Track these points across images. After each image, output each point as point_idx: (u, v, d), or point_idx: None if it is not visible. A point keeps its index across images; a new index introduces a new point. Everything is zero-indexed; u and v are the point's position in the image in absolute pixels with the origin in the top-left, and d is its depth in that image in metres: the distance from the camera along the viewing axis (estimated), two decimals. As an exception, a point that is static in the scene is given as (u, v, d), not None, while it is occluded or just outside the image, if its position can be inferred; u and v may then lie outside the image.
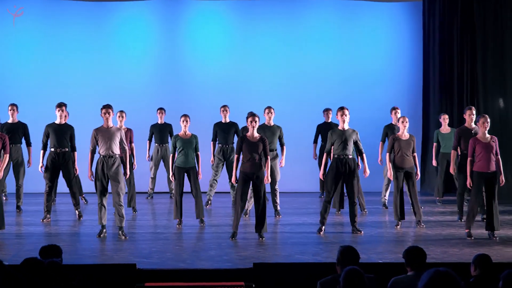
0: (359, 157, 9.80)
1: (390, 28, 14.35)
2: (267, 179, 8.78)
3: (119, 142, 8.79)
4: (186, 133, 9.67)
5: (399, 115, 11.10)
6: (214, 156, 11.45)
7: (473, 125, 9.88)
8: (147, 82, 13.92)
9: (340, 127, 9.11)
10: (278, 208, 10.49)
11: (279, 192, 10.59)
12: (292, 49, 14.14)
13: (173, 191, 12.16)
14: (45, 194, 9.87)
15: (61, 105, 9.99)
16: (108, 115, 8.75)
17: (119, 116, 10.91)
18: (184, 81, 13.99)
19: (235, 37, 14.21)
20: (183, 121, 9.69)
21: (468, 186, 8.80)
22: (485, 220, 8.97)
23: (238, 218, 8.60)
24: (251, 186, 8.82)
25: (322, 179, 9.34)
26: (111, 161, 8.65)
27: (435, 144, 11.75)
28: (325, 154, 9.22)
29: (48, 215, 9.86)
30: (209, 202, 11.48)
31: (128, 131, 10.91)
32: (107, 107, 8.81)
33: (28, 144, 11.01)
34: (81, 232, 9.15)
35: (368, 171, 9.38)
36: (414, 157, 9.56)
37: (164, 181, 12.81)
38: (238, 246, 8.13)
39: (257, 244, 8.22)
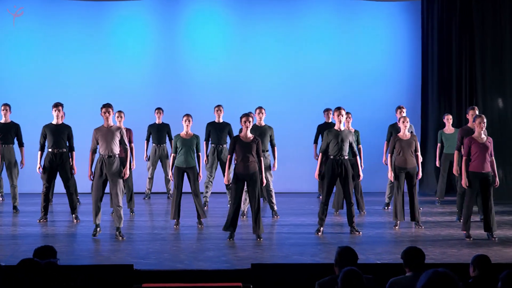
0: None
1: (389, 27, 14.34)
2: (264, 181, 8.70)
3: (120, 141, 8.74)
4: (188, 133, 9.59)
5: (404, 114, 10.87)
6: (207, 156, 11.38)
7: None
8: (146, 81, 13.90)
9: (336, 127, 9.03)
10: (275, 208, 10.44)
11: (275, 192, 10.53)
12: (291, 49, 14.12)
13: (170, 192, 12.15)
14: (42, 194, 9.82)
15: (57, 105, 9.91)
16: (108, 114, 8.69)
17: (117, 117, 10.84)
18: (182, 81, 13.97)
19: (234, 37, 14.19)
20: (185, 121, 9.58)
21: (464, 186, 8.75)
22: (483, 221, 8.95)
23: (230, 218, 8.47)
24: (245, 187, 8.76)
25: (317, 178, 9.27)
26: (111, 161, 8.60)
27: (439, 144, 11.69)
28: (320, 154, 9.14)
29: (45, 216, 9.81)
30: (206, 203, 11.43)
31: (128, 131, 10.86)
32: (107, 106, 8.74)
33: (21, 145, 10.86)
34: (78, 233, 9.11)
35: (361, 174, 9.34)
36: (417, 156, 9.50)
37: (162, 182, 12.78)
38: (236, 247, 8.11)
39: (255, 245, 8.20)
